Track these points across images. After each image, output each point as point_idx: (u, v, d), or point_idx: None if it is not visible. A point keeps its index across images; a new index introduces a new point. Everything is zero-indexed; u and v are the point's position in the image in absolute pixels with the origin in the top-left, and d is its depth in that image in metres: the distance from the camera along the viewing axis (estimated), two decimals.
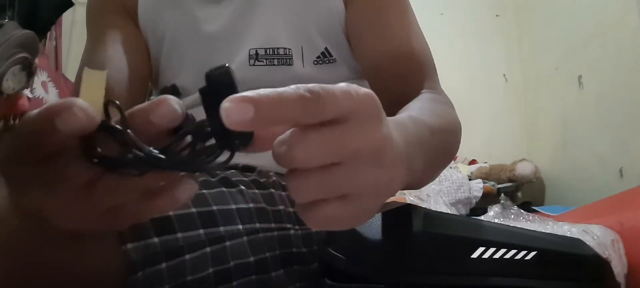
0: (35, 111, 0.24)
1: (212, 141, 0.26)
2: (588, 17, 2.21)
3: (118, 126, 0.26)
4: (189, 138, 0.27)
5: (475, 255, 0.48)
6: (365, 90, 0.27)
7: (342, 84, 0.27)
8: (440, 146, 0.49)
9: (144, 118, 0.26)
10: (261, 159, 0.60)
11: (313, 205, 0.27)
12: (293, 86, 0.25)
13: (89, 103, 0.24)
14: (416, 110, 0.50)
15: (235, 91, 0.25)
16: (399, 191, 0.39)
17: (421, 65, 0.65)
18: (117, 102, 0.26)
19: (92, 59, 0.71)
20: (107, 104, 0.26)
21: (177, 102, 0.27)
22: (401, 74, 0.64)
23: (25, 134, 0.25)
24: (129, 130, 0.26)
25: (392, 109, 0.62)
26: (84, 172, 0.26)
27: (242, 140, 0.26)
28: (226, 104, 0.23)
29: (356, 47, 0.69)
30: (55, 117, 0.23)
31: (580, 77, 2.28)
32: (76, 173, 0.26)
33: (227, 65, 0.26)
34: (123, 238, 0.40)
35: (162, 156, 0.26)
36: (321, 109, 0.25)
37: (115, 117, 0.26)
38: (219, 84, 0.25)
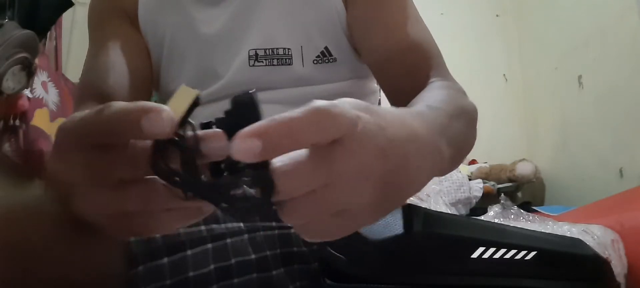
0: (123, 103, 0.25)
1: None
2: (588, 17, 2.21)
3: (188, 146, 0.26)
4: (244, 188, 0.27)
5: (475, 255, 0.48)
6: (353, 113, 0.27)
7: (345, 105, 0.27)
8: (461, 131, 0.48)
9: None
10: None
11: (307, 223, 0.28)
12: (302, 109, 0.25)
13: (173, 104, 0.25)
14: (431, 99, 0.48)
15: (258, 118, 0.25)
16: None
17: (427, 55, 0.65)
18: (193, 123, 0.27)
19: (95, 64, 0.71)
20: (185, 120, 0.26)
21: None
22: (409, 65, 0.64)
23: (105, 119, 0.26)
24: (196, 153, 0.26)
25: (403, 100, 0.61)
26: (128, 171, 0.27)
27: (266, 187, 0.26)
28: (236, 143, 0.24)
29: (361, 44, 0.68)
30: (143, 115, 0.24)
31: (580, 77, 2.28)
32: (121, 170, 0.27)
33: (253, 91, 0.26)
34: None
35: (218, 195, 0.27)
36: (330, 132, 0.25)
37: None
38: (243, 109, 0.26)
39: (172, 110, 0.25)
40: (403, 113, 0.34)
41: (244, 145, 0.24)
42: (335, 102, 0.27)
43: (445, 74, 0.65)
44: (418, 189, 0.33)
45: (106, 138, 0.26)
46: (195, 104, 0.26)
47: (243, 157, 0.24)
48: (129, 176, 0.27)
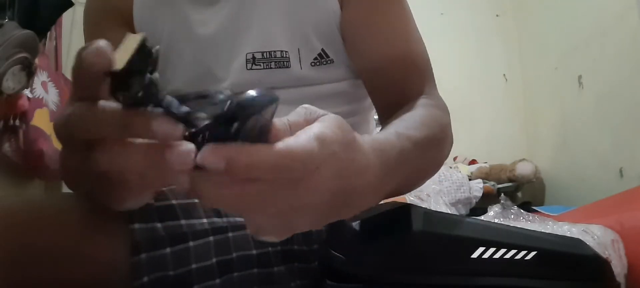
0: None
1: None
2: (588, 17, 2.21)
3: (145, 71, 0.27)
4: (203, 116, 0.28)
5: (475, 255, 0.48)
6: (330, 149, 0.30)
7: (311, 147, 0.29)
8: (425, 158, 0.52)
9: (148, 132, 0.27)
10: None
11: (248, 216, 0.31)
12: (276, 153, 0.28)
13: (121, 52, 0.27)
14: (405, 122, 0.52)
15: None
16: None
17: (419, 69, 0.66)
18: (154, 49, 0.28)
19: None
20: (135, 66, 0.27)
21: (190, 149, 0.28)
22: (399, 77, 0.64)
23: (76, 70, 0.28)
24: (155, 74, 0.27)
25: (390, 110, 0.62)
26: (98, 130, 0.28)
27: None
28: (205, 151, 0.27)
29: (352, 48, 0.68)
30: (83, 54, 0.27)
31: (580, 77, 2.28)
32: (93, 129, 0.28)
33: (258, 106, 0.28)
34: (131, 219, 0.40)
35: (176, 112, 0.27)
36: (289, 177, 0.29)
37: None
38: (245, 110, 0.27)
39: (119, 53, 0.27)
40: (368, 146, 0.37)
41: (209, 159, 0.26)
42: (312, 137, 0.30)
43: (431, 91, 0.66)
44: (349, 215, 0.37)
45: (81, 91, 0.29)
46: (144, 49, 0.27)
47: (207, 164, 0.27)
48: (98, 135, 0.28)
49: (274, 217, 0.30)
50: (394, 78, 0.65)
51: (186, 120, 0.27)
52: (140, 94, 0.27)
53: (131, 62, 0.27)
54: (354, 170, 0.33)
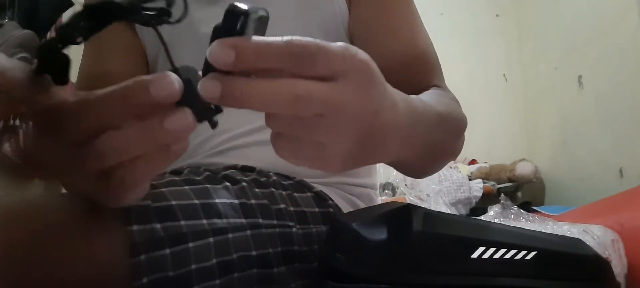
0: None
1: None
2: (588, 17, 2.21)
3: None
4: None
5: (475, 255, 0.48)
6: (361, 56, 0.30)
7: (340, 45, 0.29)
8: (445, 131, 0.51)
9: (144, 88, 0.28)
10: (260, 161, 0.61)
11: (288, 138, 0.30)
12: (286, 38, 0.27)
13: None
14: (426, 96, 0.52)
15: (243, 31, 0.27)
16: (402, 188, 0.41)
17: (428, 65, 0.66)
18: None
19: (90, 72, 0.72)
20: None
21: (177, 80, 0.28)
22: (409, 74, 0.64)
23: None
24: None
25: None
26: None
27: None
28: (212, 46, 0.27)
29: (361, 46, 0.68)
30: None
31: (580, 77, 2.28)
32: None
33: (246, 8, 0.28)
34: (129, 220, 0.40)
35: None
36: (311, 66, 0.27)
37: None
38: (233, 22, 0.28)
39: None
40: (393, 88, 0.36)
41: (217, 52, 0.27)
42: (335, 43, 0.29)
43: (442, 85, 0.66)
44: (381, 160, 0.36)
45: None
46: None
47: (216, 62, 0.27)
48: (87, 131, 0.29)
49: (303, 126, 0.29)
50: (404, 75, 0.65)
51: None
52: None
53: None
54: (384, 97, 0.32)
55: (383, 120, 0.32)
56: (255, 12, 0.28)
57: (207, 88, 0.27)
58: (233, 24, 0.27)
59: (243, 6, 0.27)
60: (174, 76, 0.28)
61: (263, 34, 0.29)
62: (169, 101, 0.28)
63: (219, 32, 0.27)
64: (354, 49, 0.30)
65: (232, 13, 0.27)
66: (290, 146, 0.30)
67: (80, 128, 0.29)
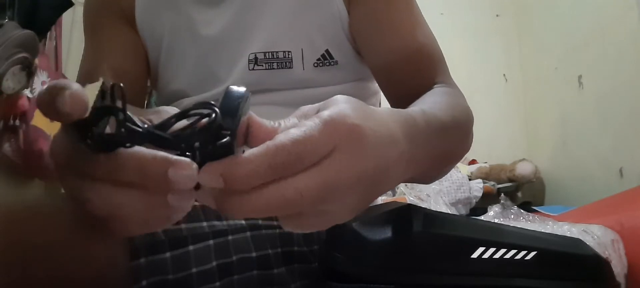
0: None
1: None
2: (588, 17, 2.21)
3: (115, 105, 0.26)
4: (184, 122, 0.27)
5: (475, 255, 0.48)
6: (348, 122, 0.29)
7: (325, 122, 0.28)
8: (451, 138, 0.51)
9: (163, 169, 0.26)
10: None
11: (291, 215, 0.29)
12: (271, 147, 0.26)
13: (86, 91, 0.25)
14: (429, 103, 0.51)
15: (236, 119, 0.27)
16: (402, 188, 0.41)
17: (432, 59, 0.65)
18: (121, 85, 0.27)
19: (91, 69, 0.71)
20: (113, 87, 0.27)
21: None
22: (413, 70, 0.64)
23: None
24: (127, 112, 0.26)
25: (406, 103, 0.62)
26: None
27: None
28: (202, 173, 0.26)
29: (365, 47, 0.68)
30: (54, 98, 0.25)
31: (580, 77, 2.28)
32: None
33: (244, 92, 0.28)
34: None
35: (161, 133, 0.26)
36: (300, 165, 0.27)
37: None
38: (230, 106, 0.27)
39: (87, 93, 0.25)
40: (387, 117, 0.35)
41: (208, 178, 0.26)
42: (315, 121, 0.28)
43: (448, 79, 0.65)
44: (390, 189, 0.36)
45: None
46: (105, 94, 0.27)
47: (207, 185, 0.26)
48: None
49: (308, 210, 0.29)
50: (408, 71, 0.65)
51: (174, 141, 0.26)
52: (115, 133, 0.26)
53: (95, 110, 0.25)
54: (381, 145, 0.32)
55: (384, 166, 0.32)
56: (244, 99, 0.27)
57: (202, 200, 0.28)
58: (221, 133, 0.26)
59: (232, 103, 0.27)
60: (194, 170, 0.26)
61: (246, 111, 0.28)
62: (182, 188, 0.26)
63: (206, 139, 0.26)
64: (340, 117, 0.29)
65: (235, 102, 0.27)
66: (296, 221, 0.30)
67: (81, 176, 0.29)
